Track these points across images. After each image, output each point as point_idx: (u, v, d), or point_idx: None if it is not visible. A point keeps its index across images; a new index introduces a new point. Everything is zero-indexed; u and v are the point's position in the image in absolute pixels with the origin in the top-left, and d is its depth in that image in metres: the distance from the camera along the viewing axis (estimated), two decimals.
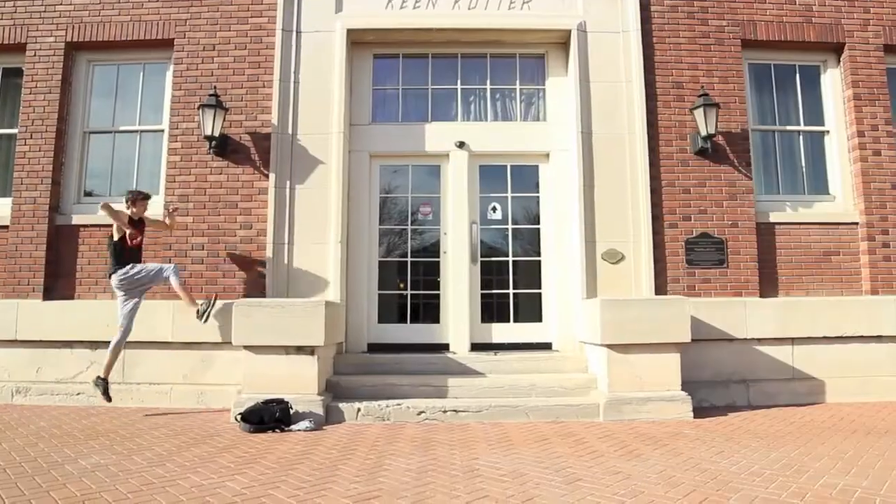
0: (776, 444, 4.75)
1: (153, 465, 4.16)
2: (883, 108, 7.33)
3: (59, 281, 7.03)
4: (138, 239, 6.46)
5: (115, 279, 6.29)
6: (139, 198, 6.51)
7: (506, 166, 7.57)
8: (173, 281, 6.32)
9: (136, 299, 6.35)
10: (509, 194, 7.54)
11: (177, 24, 7.33)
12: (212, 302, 6.43)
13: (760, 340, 6.84)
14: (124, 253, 6.32)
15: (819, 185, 7.54)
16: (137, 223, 6.48)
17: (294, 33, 7.25)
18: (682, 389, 5.99)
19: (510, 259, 7.47)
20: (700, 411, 6.09)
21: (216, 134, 6.87)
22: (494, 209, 7.53)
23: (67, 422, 5.71)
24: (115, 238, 6.30)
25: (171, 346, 6.75)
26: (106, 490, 3.57)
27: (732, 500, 3.40)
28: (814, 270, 7.12)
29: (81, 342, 6.80)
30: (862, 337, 6.88)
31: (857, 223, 7.19)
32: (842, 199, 7.39)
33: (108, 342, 6.62)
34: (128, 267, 6.28)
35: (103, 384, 6.19)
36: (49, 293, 6.96)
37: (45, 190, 7.08)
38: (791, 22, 7.44)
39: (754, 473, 3.93)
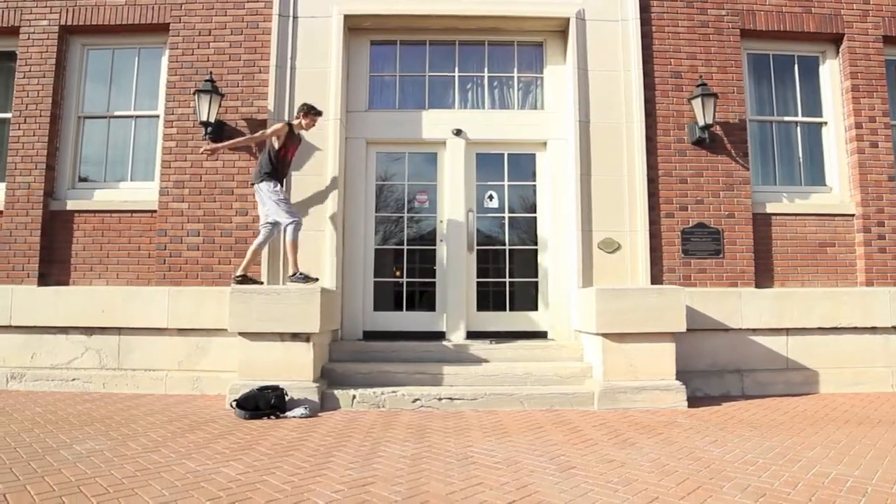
0: (770, 434, 4.78)
1: (148, 451, 4.16)
2: (881, 100, 7.32)
3: (53, 266, 7.00)
4: (292, 154, 6.55)
5: (265, 188, 6.29)
6: (313, 112, 6.54)
7: (503, 154, 7.55)
8: (289, 235, 6.28)
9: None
10: (506, 182, 7.53)
11: (172, 9, 7.26)
12: (304, 277, 6.28)
13: (755, 331, 6.86)
14: (280, 165, 6.39)
15: (816, 176, 7.54)
16: (296, 138, 6.55)
17: (291, 18, 7.19)
18: (677, 379, 6.01)
19: (506, 248, 7.47)
20: (694, 401, 6.12)
21: (212, 120, 6.83)
22: (491, 197, 7.52)
23: (62, 407, 5.70)
24: (276, 147, 6.33)
25: (167, 333, 6.74)
26: (101, 475, 3.57)
27: (725, 488, 3.42)
28: (809, 261, 7.13)
29: (76, 328, 6.78)
30: (856, 328, 6.91)
31: (853, 215, 7.20)
32: (838, 190, 7.39)
33: (105, 328, 6.69)
34: (278, 187, 6.34)
35: (241, 279, 6.31)
36: (44, 279, 6.94)
37: (40, 175, 7.04)
38: (790, 12, 7.41)
39: (748, 462, 3.95)
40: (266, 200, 6.34)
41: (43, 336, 6.80)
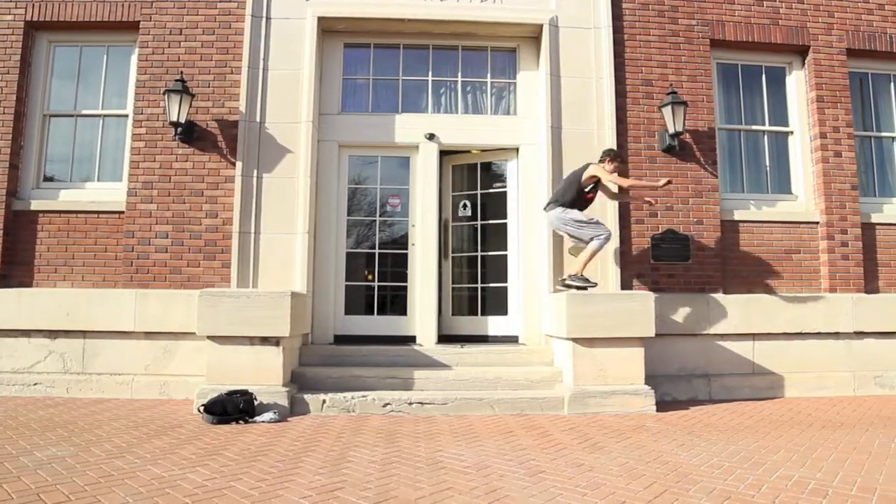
0: (735, 438, 4.85)
1: (112, 457, 4.07)
2: (844, 111, 7.50)
3: (16, 268, 6.83)
4: (594, 195, 6.57)
5: (560, 214, 6.37)
6: (619, 159, 6.57)
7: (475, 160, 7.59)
8: (594, 244, 6.29)
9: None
10: (479, 191, 7.60)
11: (142, 6, 7.15)
12: (584, 281, 6.33)
13: (723, 336, 6.97)
14: (581, 199, 6.42)
15: (782, 184, 7.69)
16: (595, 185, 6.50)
17: (264, 19, 7.13)
18: (646, 383, 6.06)
19: (479, 253, 7.50)
20: (663, 405, 6.19)
21: (182, 120, 6.74)
22: (465, 206, 7.57)
23: (24, 412, 5.56)
24: (583, 183, 6.38)
25: (133, 336, 6.62)
26: (62, 482, 3.49)
27: (691, 491, 3.46)
28: (775, 268, 7.27)
29: (39, 331, 6.63)
30: (820, 333, 7.06)
31: (817, 222, 7.36)
32: (804, 198, 7.55)
33: (69, 331, 6.56)
34: (577, 213, 6.36)
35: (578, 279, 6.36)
36: (5, 280, 6.77)
37: (3, 174, 6.86)
38: (758, 24, 7.56)
39: (713, 466, 4.01)
40: (571, 226, 6.36)
41: (3, 339, 6.63)
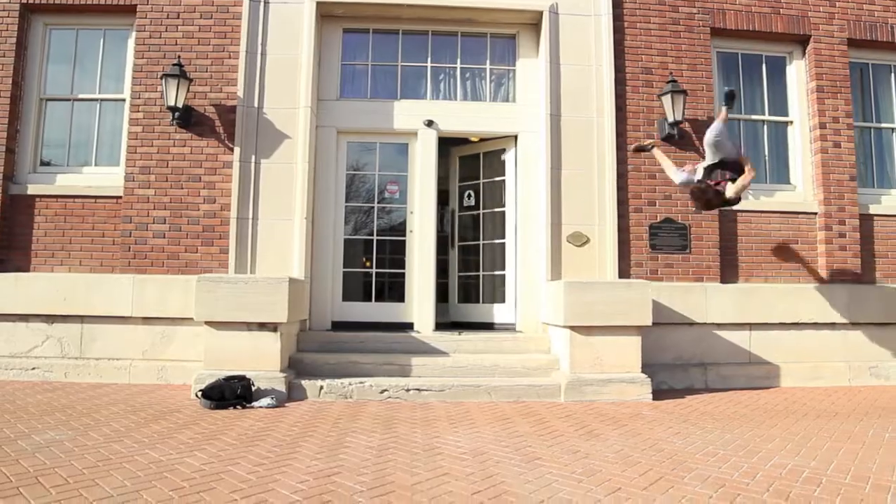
0: (731, 426, 4.87)
1: (110, 441, 4.09)
2: (844, 101, 7.48)
3: (13, 253, 6.82)
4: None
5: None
6: None
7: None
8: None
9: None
10: (482, 180, 7.58)
11: None
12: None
13: (719, 325, 6.99)
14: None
15: (781, 174, 7.69)
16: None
17: (262, 4, 7.07)
18: (643, 372, 6.09)
19: (480, 242, 7.51)
20: (659, 393, 6.22)
21: (180, 105, 6.71)
22: (469, 196, 7.58)
23: (21, 397, 5.57)
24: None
25: (131, 321, 6.62)
26: (60, 466, 3.51)
27: (687, 478, 3.49)
28: (773, 258, 7.28)
29: (37, 316, 6.63)
30: (816, 324, 7.08)
31: (815, 213, 7.36)
32: (802, 188, 7.54)
33: (67, 316, 6.56)
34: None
35: None
36: (2, 265, 6.76)
37: None
38: (759, 12, 7.52)
39: (709, 454, 4.03)
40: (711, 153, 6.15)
41: (1, 324, 6.62)
